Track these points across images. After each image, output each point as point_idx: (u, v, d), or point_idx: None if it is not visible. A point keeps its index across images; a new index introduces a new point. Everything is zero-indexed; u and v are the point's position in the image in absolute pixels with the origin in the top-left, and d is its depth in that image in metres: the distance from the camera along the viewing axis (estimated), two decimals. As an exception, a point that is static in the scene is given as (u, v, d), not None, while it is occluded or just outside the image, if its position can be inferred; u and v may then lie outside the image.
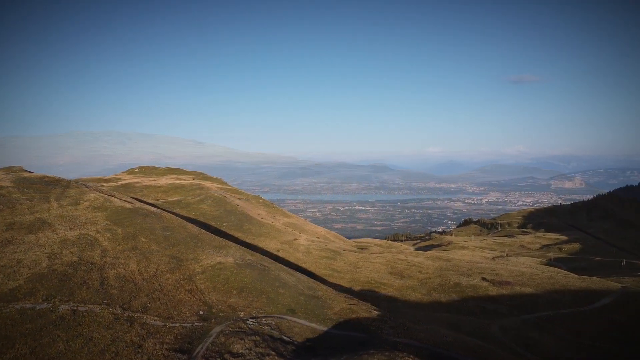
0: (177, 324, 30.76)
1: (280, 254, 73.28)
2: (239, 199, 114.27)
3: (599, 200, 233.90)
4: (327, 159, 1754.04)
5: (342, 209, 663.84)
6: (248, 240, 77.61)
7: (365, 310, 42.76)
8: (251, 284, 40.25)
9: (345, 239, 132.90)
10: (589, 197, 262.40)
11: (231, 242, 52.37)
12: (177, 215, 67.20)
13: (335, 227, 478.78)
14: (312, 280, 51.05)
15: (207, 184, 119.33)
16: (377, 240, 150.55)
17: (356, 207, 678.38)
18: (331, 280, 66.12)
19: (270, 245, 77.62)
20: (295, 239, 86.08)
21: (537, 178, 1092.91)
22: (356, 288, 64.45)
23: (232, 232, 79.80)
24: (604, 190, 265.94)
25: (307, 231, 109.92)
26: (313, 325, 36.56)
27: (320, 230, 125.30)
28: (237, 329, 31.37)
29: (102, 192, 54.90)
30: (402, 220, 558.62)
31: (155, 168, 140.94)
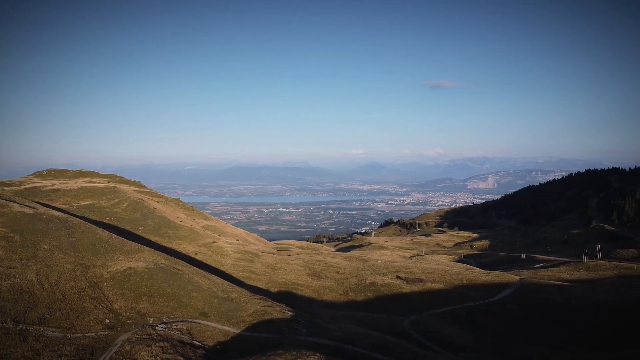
0: (79, 335, 29.56)
1: (198, 257, 72.12)
2: (158, 202, 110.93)
3: (506, 199, 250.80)
4: (252, 161, 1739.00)
5: (267, 211, 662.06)
6: (165, 244, 75.64)
7: (279, 312, 43.22)
8: (163, 289, 39.46)
9: (266, 241, 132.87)
10: (499, 196, 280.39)
11: (145, 247, 50.88)
12: (87, 220, 64.19)
13: (260, 229, 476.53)
14: (228, 283, 50.75)
15: (124, 187, 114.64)
16: (298, 242, 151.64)
17: (280, 209, 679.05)
18: (248, 282, 66.02)
19: (188, 249, 76.17)
20: (214, 242, 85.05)
21: (455, 179, 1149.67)
22: (273, 290, 64.81)
23: (148, 236, 77.39)
24: (512, 190, 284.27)
25: (227, 234, 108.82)
26: (225, 328, 36.50)
27: (241, 232, 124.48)
28: (145, 336, 30.70)
29: (0, 197, 51.35)
30: (327, 221, 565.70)
31: (66, 171, 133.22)
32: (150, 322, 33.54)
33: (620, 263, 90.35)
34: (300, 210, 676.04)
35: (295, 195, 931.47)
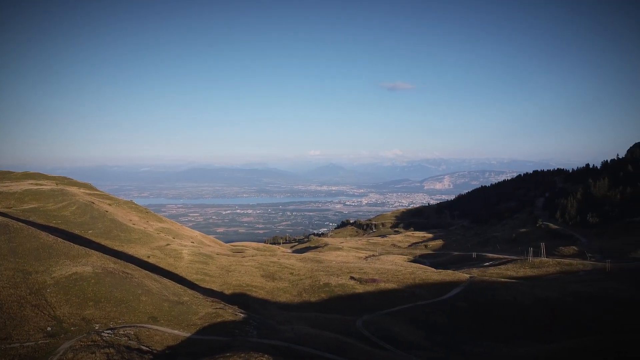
0: (17, 344, 28.49)
1: (151, 260, 70.80)
2: (109, 204, 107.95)
3: (460, 200, 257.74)
4: (210, 162, 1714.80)
5: (224, 212, 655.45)
6: (116, 248, 73.82)
7: (231, 314, 43.09)
8: (110, 294, 38.62)
9: (222, 242, 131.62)
10: (455, 197, 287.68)
11: (94, 251, 49.59)
12: (31, 224, 61.94)
13: (217, 231, 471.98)
14: (180, 286, 50.16)
15: (73, 189, 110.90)
16: (254, 244, 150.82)
17: (238, 211, 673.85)
18: (202, 285, 65.37)
19: (140, 252, 74.60)
20: (168, 245, 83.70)
21: (412, 180, 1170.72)
22: (227, 292, 64.46)
23: (98, 240, 75.31)
24: (467, 191, 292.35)
25: (182, 236, 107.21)
26: (176, 332, 36.10)
27: (196, 234, 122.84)
28: (89, 343, 29.99)
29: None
30: (284, 223, 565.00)
31: (9, 172, 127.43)
32: (96, 328, 32.81)
33: (562, 260, 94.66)
34: (258, 211, 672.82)
35: (254, 196, 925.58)
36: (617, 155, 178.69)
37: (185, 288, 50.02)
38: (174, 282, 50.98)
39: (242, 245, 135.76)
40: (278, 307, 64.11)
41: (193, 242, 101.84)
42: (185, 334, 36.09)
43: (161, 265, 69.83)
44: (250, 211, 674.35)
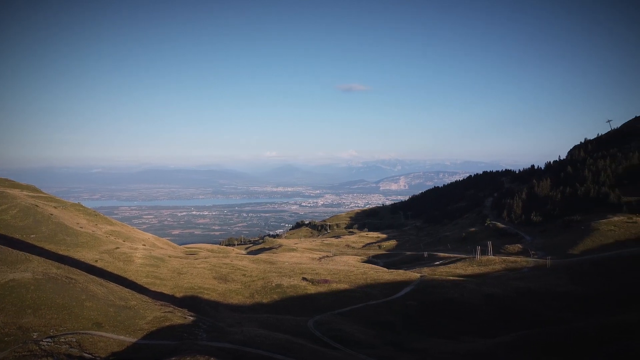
0: (-59, 359, 27.37)
1: (98, 265, 69.02)
2: (55, 207, 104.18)
3: (413, 200, 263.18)
4: (165, 164, 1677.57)
5: (180, 214, 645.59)
6: (61, 252, 71.49)
7: (181, 317, 42.69)
8: (52, 300, 37.48)
9: (175, 245, 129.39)
10: (409, 197, 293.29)
11: (35, 256, 47.95)
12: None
13: (173, 233, 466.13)
14: (128, 290, 49.20)
15: (15, 191, 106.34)
16: (208, 246, 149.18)
17: (194, 213, 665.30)
18: (153, 288, 64.30)
19: (87, 256, 72.54)
20: (118, 248, 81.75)
21: (368, 181, 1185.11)
22: (179, 295, 63.68)
23: (41, 244, 72.72)
24: (422, 191, 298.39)
25: (133, 239, 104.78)
26: (121, 337, 35.47)
27: (149, 237, 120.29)
28: (25, 353, 29.00)
29: None
30: (240, 224, 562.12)
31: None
32: (34, 336, 31.77)
33: (508, 257, 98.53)
34: (214, 213, 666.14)
35: (209, 198, 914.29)
36: (559, 156, 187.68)
37: (134, 292, 49.11)
38: (121, 287, 49.94)
39: (196, 247, 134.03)
40: (230, 309, 63.87)
41: (145, 245, 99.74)
42: (131, 339, 35.54)
43: (109, 270, 68.18)
44: (206, 213, 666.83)
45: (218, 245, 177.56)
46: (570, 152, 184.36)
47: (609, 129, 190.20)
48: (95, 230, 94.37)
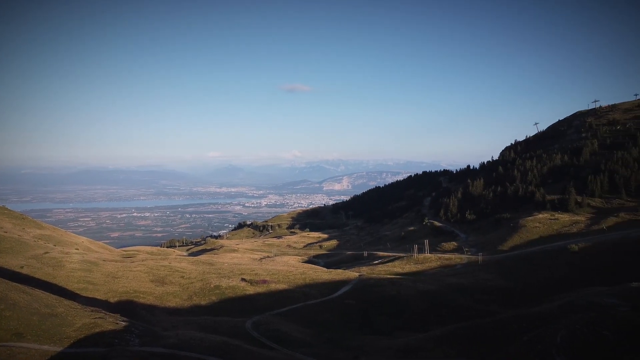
0: None
1: (24, 271, 65.90)
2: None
3: (355, 200, 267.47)
4: (103, 164, 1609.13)
5: (120, 216, 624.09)
6: (-19, 259, 67.81)
7: (112, 323, 41.73)
8: (-34, 311, 35.70)
9: (111, 248, 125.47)
10: (351, 197, 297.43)
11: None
12: None
13: (112, 236, 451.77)
14: (55, 297, 47.45)
15: None
16: (148, 248, 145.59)
17: (135, 214, 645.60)
18: (84, 294, 62.18)
19: (12, 263, 69.07)
20: (47, 253, 78.38)
21: (311, 181, 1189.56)
22: (113, 300, 62.01)
23: (-43, 252, 68.75)
24: (364, 191, 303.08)
25: (65, 243, 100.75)
26: (45, 347, 34.22)
27: (82, 240, 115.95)
28: None
29: None
30: (183, 225, 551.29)
31: None
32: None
33: (443, 255, 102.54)
34: (156, 214, 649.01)
35: (151, 199, 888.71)
36: (492, 157, 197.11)
37: (62, 299, 47.43)
38: (48, 294, 48.09)
39: (134, 250, 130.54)
40: (167, 312, 62.91)
41: (78, 249, 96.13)
42: (56, 348, 34.37)
43: (37, 276, 65.23)
44: (147, 214, 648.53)
45: (158, 248, 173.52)
46: (502, 153, 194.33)
47: (536, 132, 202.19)
48: (22, 235, 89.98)
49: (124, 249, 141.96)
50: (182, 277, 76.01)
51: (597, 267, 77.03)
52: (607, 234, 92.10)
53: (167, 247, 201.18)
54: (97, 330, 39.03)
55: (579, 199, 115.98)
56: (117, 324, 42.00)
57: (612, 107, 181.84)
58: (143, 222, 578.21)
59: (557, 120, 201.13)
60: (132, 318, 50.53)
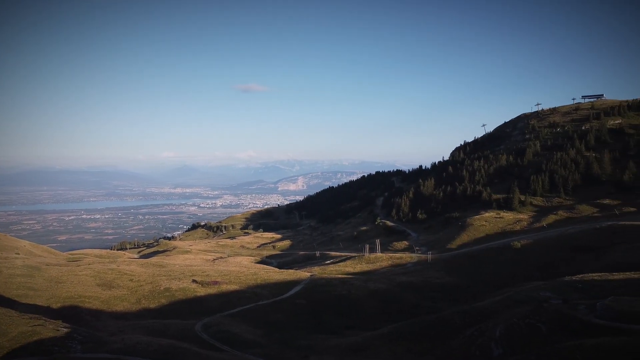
0: None
1: (-45, 279, 62.96)
2: None
3: (308, 200, 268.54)
4: (49, 164, 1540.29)
5: (68, 218, 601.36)
6: None
7: (53, 330, 40.55)
8: None
9: (56, 252, 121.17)
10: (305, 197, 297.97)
11: None
12: None
13: (59, 239, 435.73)
14: (-8, 304, 45.70)
15: None
16: (97, 251, 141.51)
17: (84, 216, 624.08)
18: (24, 300, 59.91)
19: (-58, 270, 65.82)
20: (-17, 258, 75.03)
21: (266, 181, 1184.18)
22: (55, 305, 60.02)
23: None
24: (319, 191, 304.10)
25: (4, 247, 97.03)
26: (-27, 361, 32.91)
27: (24, 244, 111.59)
28: None
29: None
30: (136, 227, 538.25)
31: None
32: None
33: (394, 254, 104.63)
34: (107, 216, 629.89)
35: (102, 200, 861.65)
36: (443, 157, 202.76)
37: (-1, 306, 45.71)
38: (-16, 300, 46.26)
39: (82, 253, 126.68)
40: (114, 317, 61.52)
41: (18, 254, 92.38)
42: (-14, 361, 33.11)
43: (-31, 283, 62.41)
44: (98, 216, 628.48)
45: (108, 250, 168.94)
46: (452, 154, 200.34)
47: (484, 133, 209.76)
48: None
49: (70, 252, 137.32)
50: (131, 280, 74.42)
51: (537, 262, 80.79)
52: (547, 231, 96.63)
53: (118, 249, 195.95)
54: (35, 338, 37.78)
55: (522, 198, 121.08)
56: (58, 330, 40.84)
57: (553, 110, 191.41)
58: (93, 225, 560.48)
59: (503, 122, 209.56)
60: (76, 324, 49.27)
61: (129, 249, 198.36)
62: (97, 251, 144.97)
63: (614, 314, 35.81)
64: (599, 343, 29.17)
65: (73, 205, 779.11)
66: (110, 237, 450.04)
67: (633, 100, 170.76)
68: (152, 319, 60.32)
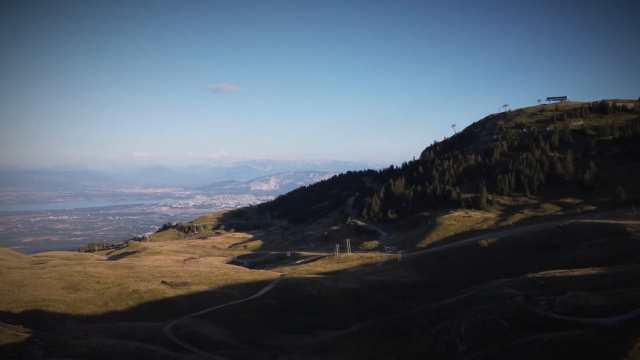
0: None
1: None
2: None
3: (280, 200, 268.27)
4: (13, 164, 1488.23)
5: (33, 220, 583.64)
6: None
7: (12, 336, 39.51)
8: None
9: (20, 254, 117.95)
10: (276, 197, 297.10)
11: None
12: None
13: (24, 241, 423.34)
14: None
15: None
16: (63, 253, 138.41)
17: (51, 218, 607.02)
18: (-18, 306, 58.31)
19: None
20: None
21: (239, 181, 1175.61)
22: (17, 310, 58.49)
23: None
24: (290, 191, 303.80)
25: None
26: None
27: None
28: None
29: None
30: (106, 228, 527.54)
31: None
32: None
33: (365, 254, 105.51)
34: (75, 217, 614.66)
35: (70, 201, 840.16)
36: (414, 157, 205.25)
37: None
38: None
39: (47, 256, 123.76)
40: (80, 320, 60.39)
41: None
42: None
43: None
44: (66, 217, 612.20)
45: (75, 252, 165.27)
46: (423, 154, 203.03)
47: (454, 133, 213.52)
48: None
49: (35, 254, 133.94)
50: (98, 282, 73.15)
51: (503, 260, 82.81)
52: (512, 229, 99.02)
53: (86, 251, 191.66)
54: (-10, 345, 36.75)
55: (490, 197, 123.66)
56: (18, 336, 39.79)
57: (519, 111, 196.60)
58: (60, 226, 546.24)
59: (473, 122, 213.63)
60: (39, 329, 48.30)
61: (98, 250, 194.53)
62: (63, 253, 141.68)
63: (571, 309, 37.30)
64: (555, 337, 30.44)
65: (39, 206, 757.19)
66: (78, 238, 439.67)
67: (594, 102, 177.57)
68: (120, 322, 59.45)
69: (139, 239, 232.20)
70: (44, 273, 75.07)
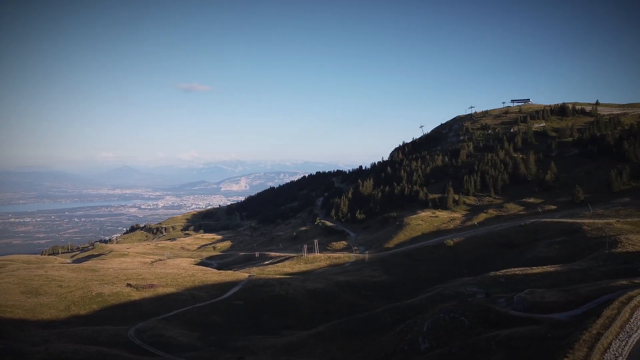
0: None
1: None
2: None
3: (249, 201, 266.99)
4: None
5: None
6: None
7: (-35, 342, 38.49)
8: None
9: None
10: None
11: None
12: None
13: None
14: None
15: None
16: (24, 256, 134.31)
17: (12, 220, 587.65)
18: None
19: None
20: None
21: (209, 182, 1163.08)
22: (-28, 316, 56.78)
23: None
24: (259, 192, 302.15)
25: None
26: None
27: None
28: None
29: None
30: (71, 230, 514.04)
31: None
32: None
33: (333, 254, 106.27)
34: (38, 219, 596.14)
35: (33, 203, 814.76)
36: (382, 158, 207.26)
37: None
38: None
39: (6, 259, 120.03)
40: (40, 325, 58.85)
41: None
42: None
43: None
44: (28, 219, 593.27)
45: (37, 256, 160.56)
46: (391, 154, 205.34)
47: (422, 134, 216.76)
48: None
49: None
50: (60, 286, 71.46)
51: (468, 259, 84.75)
52: (477, 229, 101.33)
53: (49, 254, 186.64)
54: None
55: (456, 197, 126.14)
56: (-29, 343, 38.77)
57: (485, 113, 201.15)
58: (22, 228, 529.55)
59: (440, 123, 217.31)
60: (-9, 337, 46.91)
61: (62, 253, 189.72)
62: (24, 257, 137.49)
63: (528, 305, 38.67)
64: (511, 333, 31.62)
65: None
66: (42, 241, 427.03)
67: (555, 105, 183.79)
68: (82, 326, 58.22)
69: (106, 241, 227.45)
70: (2, 278, 72.91)
